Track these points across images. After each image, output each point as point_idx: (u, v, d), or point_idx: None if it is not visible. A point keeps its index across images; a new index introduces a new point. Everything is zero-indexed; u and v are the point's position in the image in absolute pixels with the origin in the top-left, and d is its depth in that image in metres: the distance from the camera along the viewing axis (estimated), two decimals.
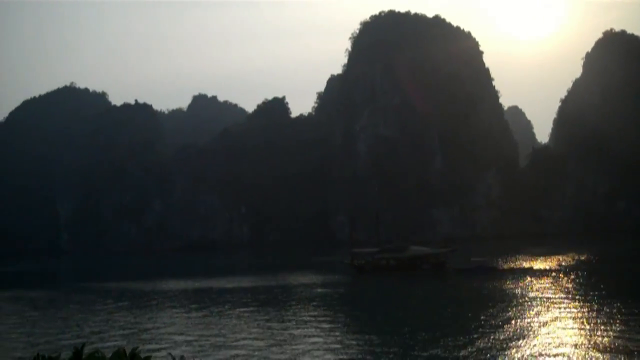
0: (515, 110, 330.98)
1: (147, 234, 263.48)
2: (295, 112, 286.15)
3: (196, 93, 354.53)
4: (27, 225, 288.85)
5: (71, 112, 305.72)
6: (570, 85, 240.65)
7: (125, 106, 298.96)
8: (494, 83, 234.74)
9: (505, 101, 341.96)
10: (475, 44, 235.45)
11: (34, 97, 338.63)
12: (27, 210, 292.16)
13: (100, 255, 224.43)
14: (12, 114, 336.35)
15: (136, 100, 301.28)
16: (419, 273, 78.87)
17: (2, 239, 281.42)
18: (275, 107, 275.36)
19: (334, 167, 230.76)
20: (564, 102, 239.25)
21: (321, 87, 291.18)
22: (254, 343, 35.55)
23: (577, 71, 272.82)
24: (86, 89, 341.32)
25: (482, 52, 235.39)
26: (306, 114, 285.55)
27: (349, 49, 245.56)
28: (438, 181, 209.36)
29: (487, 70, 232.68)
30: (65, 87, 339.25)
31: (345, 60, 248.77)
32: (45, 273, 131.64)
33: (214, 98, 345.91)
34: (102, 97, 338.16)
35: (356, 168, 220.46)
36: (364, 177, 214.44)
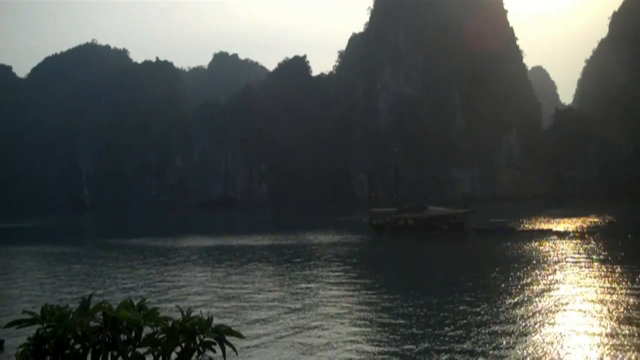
0: (539, 71, 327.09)
1: (169, 190, 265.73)
2: (316, 70, 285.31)
3: (217, 51, 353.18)
4: (50, 182, 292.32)
5: (93, 69, 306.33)
6: (595, 45, 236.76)
7: (147, 63, 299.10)
8: (517, 42, 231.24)
9: (529, 61, 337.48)
10: (499, 2, 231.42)
11: (56, 54, 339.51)
12: (50, 166, 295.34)
13: (122, 211, 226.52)
14: (34, 70, 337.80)
15: (157, 58, 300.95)
16: (437, 233, 78.61)
17: (26, 195, 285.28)
18: (297, 66, 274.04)
19: (355, 125, 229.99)
20: (589, 62, 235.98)
21: (343, 45, 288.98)
22: (269, 297, 35.60)
23: (603, 31, 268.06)
24: (107, 46, 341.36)
25: (506, 11, 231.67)
26: (327, 73, 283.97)
27: (371, 6, 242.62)
28: (459, 141, 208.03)
29: (511, 30, 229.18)
30: (87, 44, 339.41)
31: (367, 18, 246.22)
32: (68, 229, 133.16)
33: (235, 56, 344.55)
34: (123, 54, 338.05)
35: (377, 127, 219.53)
36: (385, 136, 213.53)
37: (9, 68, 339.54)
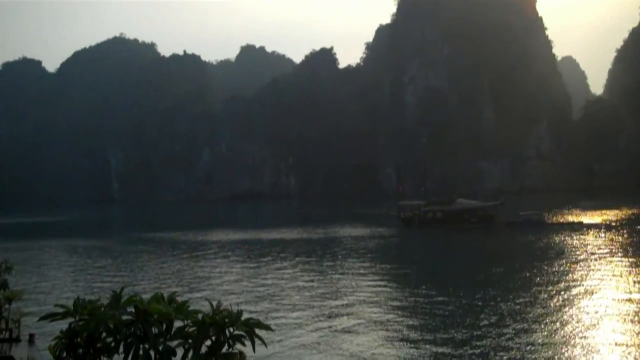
0: (569, 61, 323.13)
1: (196, 183, 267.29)
2: (343, 62, 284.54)
3: (244, 44, 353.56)
4: (79, 175, 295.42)
5: (121, 63, 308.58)
6: (626, 34, 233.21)
7: (174, 57, 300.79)
8: (547, 32, 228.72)
9: (559, 51, 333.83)
10: None
11: (85, 48, 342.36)
12: (78, 160, 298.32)
13: (150, 204, 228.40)
14: (63, 64, 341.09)
15: (185, 51, 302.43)
16: (466, 226, 78.12)
17: (55, 189, 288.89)
18: (323, 58, 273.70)
19: (382, 118, 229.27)
20: (620, 52, 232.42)
21: (370, 37, 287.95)
22: (298, 290, 35.68)
23: (634, 20, 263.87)
24: (135, 40, 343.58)
25: (535, 0, 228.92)
26: (354, 65, 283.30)
27: None
28: (488, 133, 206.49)
29: (540, 19, 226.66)
30: (115, 38, 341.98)
31: (394, 9, 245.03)
32: (97, 222, 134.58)
33: (262, 49, 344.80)
34: (151, 47, 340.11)
35: (404, 120, 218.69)
36: (412, 129, 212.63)
37: (39, 62, 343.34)
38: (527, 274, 39.80)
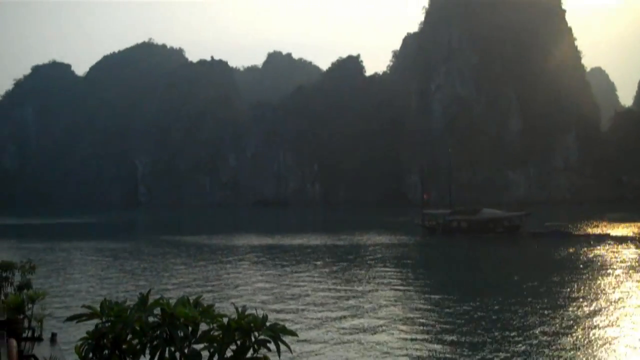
0: (599, 72, 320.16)
1: (221, 189, 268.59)
2: (370, 70, 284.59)
3: (271, 50, 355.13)
4: (106, 179, 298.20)
5: (149, 68, 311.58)
6: None
7: (202, 62, 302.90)
8: (576, 43, 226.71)
9: (588, 62, 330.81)
10: (557, 2, 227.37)
11: (113, 53, 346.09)
12: (106, 163, 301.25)
13: (176, 208, 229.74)
14: (92, 69, 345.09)
15: (212, 57, 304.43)
16: (491, 236, 77.56)
17: (82, 191, 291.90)
18: (350, 66, 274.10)
19: (408, 126, 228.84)
20: None
21: (397, 45, 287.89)
22: (322, 297, 35.65)
23: None
24: (164, 45, 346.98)
25: (564, 11, 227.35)
26: (381, 73, 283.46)
27: (426, 6, 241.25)
28: (514, 142, 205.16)
29: (569, 30, 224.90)
30: (144, 43, 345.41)
31: (422, 18, 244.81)
32: (124, 225, 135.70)
33: (289, 55, 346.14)
34: (179, 53, 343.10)
35: (430, 128, 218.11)
36: (438, 137, 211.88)
37: (68, 66, 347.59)
38: (553, 286, 39.40)
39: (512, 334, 26.22)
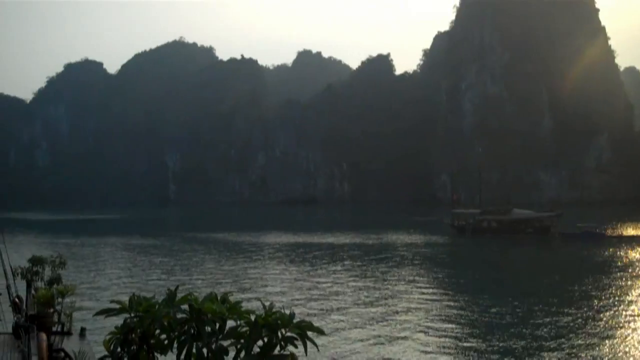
0: (632, 72, 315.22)
1: (250, 187, 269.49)
2: (400, 69, 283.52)
3: (301, 49, 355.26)
4: (137, 175, 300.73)
5: (180, 66, 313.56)
6: None
7: (232, 61, 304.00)
8: (610, 42, 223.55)
9: (622, 61, 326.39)
10: (590, 1, 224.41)
11: (145, 51, 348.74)
12: (136, 160, 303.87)
13: (205, 205, 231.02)
14: (124, 66, 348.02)
15: (242, 55, 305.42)
16: (522, 237, 76.81)
17: (114, 188, 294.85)
18: (380, 64, 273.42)
19: (438, 125, 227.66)
20: None
21: (427, 44, 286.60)
22: (351, 295, 35.59)
23: None
24: (194, 44, 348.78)
25: (598, 10, 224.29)
26: (411, 72, 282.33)
27: (457, 5, 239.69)
28: (546, 142, 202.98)
29: (602, 29, 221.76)
30: (175, 42, 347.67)
31: (452, 16, 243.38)
32: (154, 222, 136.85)
33: (319, 54, 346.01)
34: (209, 51, 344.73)
35: (461, 127, 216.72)
36: (468, 137, 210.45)
37: (100, 64, 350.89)
38: (585, 287, 38.89)
39: (545, 335, 25.93)
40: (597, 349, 23.66)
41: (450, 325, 28.27)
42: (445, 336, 26.12)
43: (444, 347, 24.33)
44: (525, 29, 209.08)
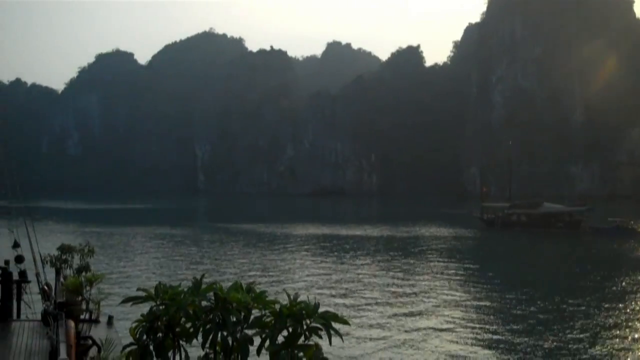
0: None
1: (278, 177, 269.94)
2: (430, 61, 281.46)
3: (330, 40, 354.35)
4: (166, 166, 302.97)
5: (209, 57, 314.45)
6: None
7: (261, 52, 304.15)
8: None
9: None
10: None
11: (175, 42, 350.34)
12: (166, 151, 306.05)
13: (233, 196, 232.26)
14: (154, 57, 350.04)
15: (271, 47, 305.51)
16: (552, 231, 76.06)
17: (143, 178, 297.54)
18: (410, 56, 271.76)
19: (468, 118, 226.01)
20: None
21: (458, 36, 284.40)
22: (379, 291, 35.52)
23: None
24: (224, 35, 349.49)
25: (633, 1, 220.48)
26: (441, 64, 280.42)
27: None
28: (577, 136, 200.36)
29: (637, 21, 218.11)
30: (205, 33, 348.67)
31: (484, 7, 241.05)
32: (183, 212, 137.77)
33: (348, 45, 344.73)
34: (239, 42, 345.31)
35: (491, 120, 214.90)
36: (498, 130, 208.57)
37: (131, 55, 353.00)
38: (620, 284, 38.42)
39: (577, 333, 25.67)
40: (631, 347, 23.36)
41: (478, 320, 28.10)
42: (472, 331, 25.97)
43: (471, 342, 24.19)
44: (557, 21, 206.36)
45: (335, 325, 5.56)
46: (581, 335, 24.77)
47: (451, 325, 26.61)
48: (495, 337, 24.86)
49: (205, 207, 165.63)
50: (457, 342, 23.79)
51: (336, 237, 70.27)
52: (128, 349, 5.95)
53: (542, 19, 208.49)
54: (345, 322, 5.78)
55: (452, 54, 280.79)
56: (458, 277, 41.37)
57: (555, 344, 23.60)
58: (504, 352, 22.59)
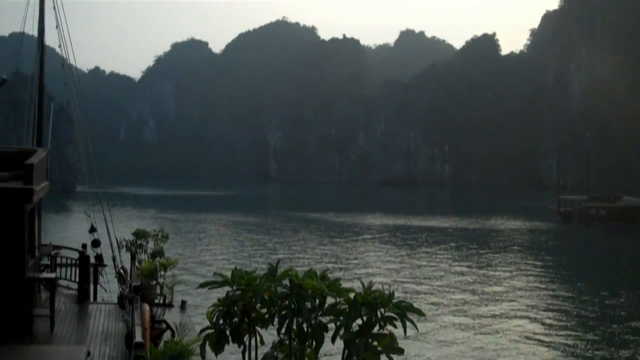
0: None
1: (350, 166, 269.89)
2: (506, 49, 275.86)
3: (404, 29, 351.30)
4: (239, 154, 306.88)
5: (282, 46, 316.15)
6: None
7: (334, 40, 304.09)
8: None
9: None
10: None
11: (248, 31, 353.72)
12: (239, 139, 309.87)
13: (305, 184, 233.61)
14: (228, 46, 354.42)
15: (344, 35, 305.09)
16: (633, 226, 73.49)
17: (217, 165, 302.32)
18: (485, 45, 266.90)
19: (544, 108, 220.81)
20: None
21: (535, 23, 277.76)
22: (453, 283, 35.20)
23: None
24: (297, 23, 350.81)
25: None
26: (518, 52, 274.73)
27: None
28: None
29: None
30: (278, 21, 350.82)
31: None
32: (256, 199, 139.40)
33: (422, 33, 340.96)
34: (311, 31, 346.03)
35: (568, 110, 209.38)
36: (576, 120, 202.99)
37: (206, 44, 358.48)
38: None
39: None
40: None
41: (552, 316, 27.52)
42: (546, 327, 25.46)
43: (550, 340, 23.71)
44: (639, 9, 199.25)
45: (410, 315, 5.52)
46: None
47: (524, 321, 26.16)
48: (566, 333, 24.31)
49: (277, 195, 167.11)
50: (528, 339, 23.35)
51: (409, 228, 69.90)
52: (205, 333, 6.05)
53: (623, 8, 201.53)
54: (421, 313, 5.74)
55: (528, 42, 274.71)
56: (534, 274, 40.53)
57: (630, 340, 22.92)
58: (576, 349, 22.05)
